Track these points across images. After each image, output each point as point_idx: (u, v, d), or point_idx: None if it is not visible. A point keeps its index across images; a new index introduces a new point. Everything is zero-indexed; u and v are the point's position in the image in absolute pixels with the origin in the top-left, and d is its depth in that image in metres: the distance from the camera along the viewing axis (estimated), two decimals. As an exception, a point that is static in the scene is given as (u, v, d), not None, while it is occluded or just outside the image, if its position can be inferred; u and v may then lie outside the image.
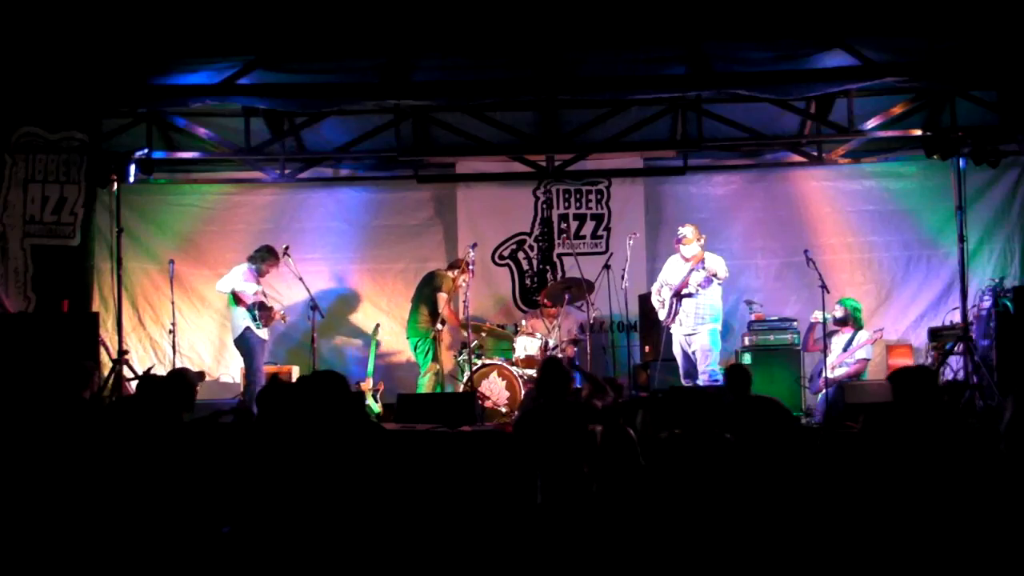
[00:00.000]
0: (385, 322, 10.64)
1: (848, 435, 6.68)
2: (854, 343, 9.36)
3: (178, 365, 9.78)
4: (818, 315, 9.31)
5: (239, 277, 9.34)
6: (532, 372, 9.36)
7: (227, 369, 10.53)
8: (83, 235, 9.03)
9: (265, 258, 9.63)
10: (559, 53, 9.14)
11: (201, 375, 7.48)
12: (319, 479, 4.86)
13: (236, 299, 9.33)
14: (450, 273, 9.84)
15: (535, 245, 10.81)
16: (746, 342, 9.60)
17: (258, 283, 9.58)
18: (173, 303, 9.64)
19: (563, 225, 10.70)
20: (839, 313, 9.41)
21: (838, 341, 9.44)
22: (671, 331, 9.11)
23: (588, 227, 10.74)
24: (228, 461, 5.16)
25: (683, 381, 8.99)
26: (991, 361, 8.43)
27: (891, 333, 10.27)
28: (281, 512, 4.78)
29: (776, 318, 9.80)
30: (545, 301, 10.05)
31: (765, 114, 10.22)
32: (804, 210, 10.71)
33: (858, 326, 9.47)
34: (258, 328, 9.38)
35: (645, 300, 9.88)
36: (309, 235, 10.74)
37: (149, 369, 9.20)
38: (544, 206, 10.80)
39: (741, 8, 8.54)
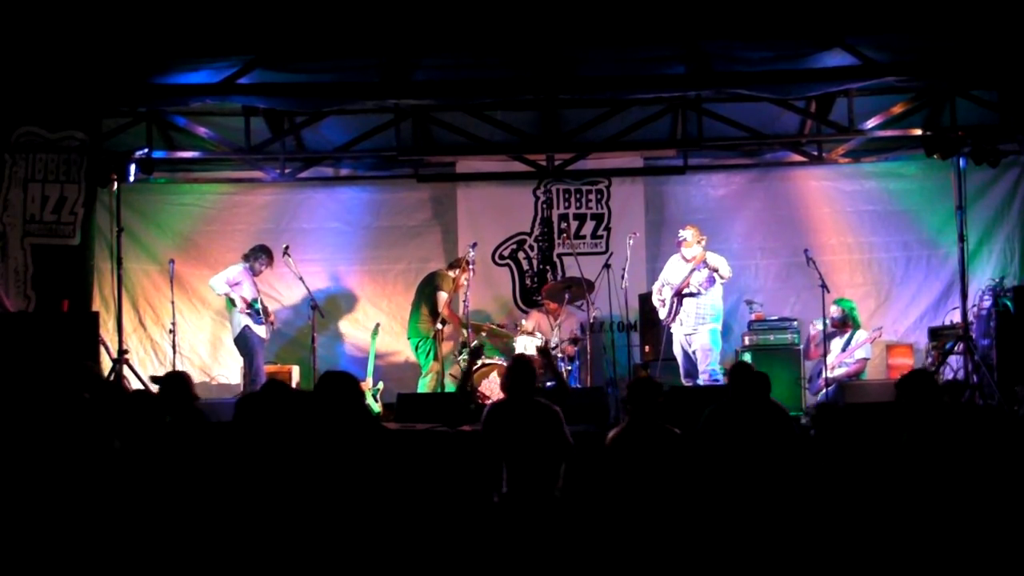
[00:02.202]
0: (385, 322, 10.64)
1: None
2: (852, 343, 9.37)
3: (178, 366, 9.79)
4: (817, 324, 9.31)
5: (231, 279, 9.36)
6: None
7: (224, 369, 10.53)
8: (83, 235, 9.03)
9: (259, 257, 9.64)
10: (559, 52, 9.13)
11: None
12: (333, 478, 4.90)
13: (233, 301, 9.37)
14: (451, 273, 9.84)
15: (535, 245, 10.80)
16: (746, 342, 9.59)
17: (253, 283, 9.59)
18: (173, 303, 9.63)
19: (563, 225, 10.69)
20: (836, 314, 9.42)
21: (837, 341, 9.46)
22: (671, 331, 9.12)
23: (588, 227, 10.74)
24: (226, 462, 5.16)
25: (683, 381, 9.00)
26: (991, 361, 8.44)
27: (891, 333, 10.28)
28: (289, 511, 4.81)
29: (776, 318, 9.80)
30: (546, 300, 10.05)
31: (765, 114, 10.21)
32: (804, 210, 10.71)
33: (856, 326, 9.49)
34: (258, 326, 9.38)
35: (645, 300, 9.88)
36: (309, 235, 10.74)
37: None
38: (544, 206, 10.79)
39: (741, 8, 8.53)
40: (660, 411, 5.63)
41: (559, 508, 5.55)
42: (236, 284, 9.43)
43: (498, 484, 5.68)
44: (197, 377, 10.45)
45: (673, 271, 9.19)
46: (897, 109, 10.00)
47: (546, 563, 5.33)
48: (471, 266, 9.52)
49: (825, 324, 9.28)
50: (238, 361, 9.80)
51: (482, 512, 5.73)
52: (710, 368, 8.85)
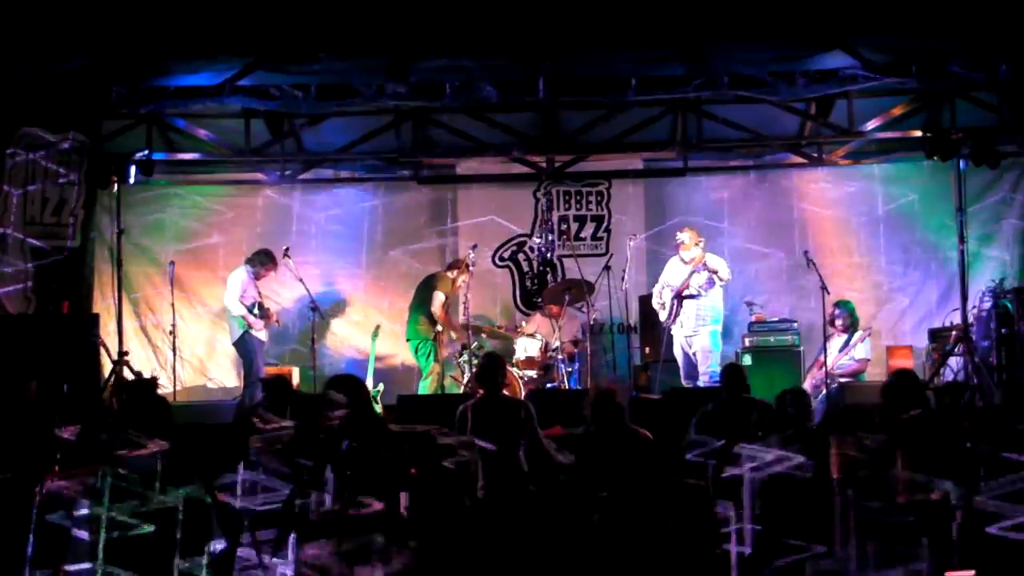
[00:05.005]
0: (385, 324, 10.61)
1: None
2: (851, 342, 9.36)
3: (178, 368, 9.78)
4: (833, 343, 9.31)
5: (238, 287, 9.35)
6: (532, 373, 9.38)
7: (220, 370, 10.51)
8: (83, 236, 9.03)
9: (264, 262, 9.62)
10: (559, 53, 9.14)
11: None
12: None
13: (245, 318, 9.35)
14: (449, 274, 9.83)
15: (535, 247, 10.79)
16: (746, 343, 9.57)
17: (256, 287, 9.57)
18: (173, 305, 9.61)
19: (563, 227, 10.68)
20: (844, 319, 9.40)
21: (836, 342, 9.44)
22: (672, 332, 9.12)
23: (588, 229, 10.73)
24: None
25: (684, 382, 9.00)
26: (991, 362, 8.44)
27: (891, 335, 10.26)
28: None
29: (776, 319, 9.79)
30: (547, 304, 10.03)
31: (765, 115, 10.22)
32: (804, 211, 10.70)
33: (855, 327, 9.48)
34: (258, 329, 9.36)
35: (645, 301, 9.88)
36: (309, 237, 10.73)
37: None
38: (544, 207, 10.78)
39: (741, 9, 8.54)
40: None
41: (531, 501, 5.69)
42: (243, 293, 9.39)
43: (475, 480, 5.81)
44: (195, 380, 10.47)
45: (673, 273, 9.19)
46: (897, 111, 10.01)
47: (523, 555, 5.40)
48: (470, 267, 9.52)
49: (826, 327, 9.26)
50: (236, 363, 9.78)
51: (461, 509, 5.81)
52: (710, 370, 8.84)
